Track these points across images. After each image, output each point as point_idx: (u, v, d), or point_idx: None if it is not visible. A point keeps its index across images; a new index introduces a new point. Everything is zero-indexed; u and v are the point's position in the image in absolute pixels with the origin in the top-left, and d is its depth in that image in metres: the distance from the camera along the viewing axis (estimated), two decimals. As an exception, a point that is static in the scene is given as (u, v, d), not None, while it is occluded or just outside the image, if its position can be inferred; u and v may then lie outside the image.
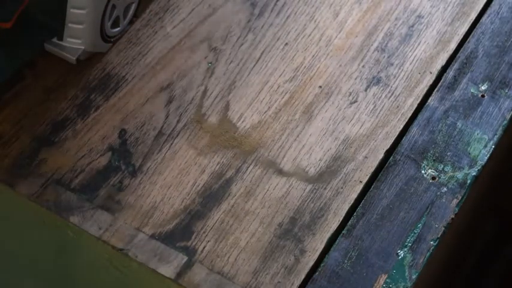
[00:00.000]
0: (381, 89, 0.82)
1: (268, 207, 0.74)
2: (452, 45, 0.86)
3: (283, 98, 0.81)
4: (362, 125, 0.80)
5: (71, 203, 0.73)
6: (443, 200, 0.76)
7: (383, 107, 0.81)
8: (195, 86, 0.81)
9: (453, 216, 0.75)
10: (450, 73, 0.84)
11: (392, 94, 0.82)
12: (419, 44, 0.86)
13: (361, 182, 0.76)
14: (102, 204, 0.73)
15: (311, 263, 0.72)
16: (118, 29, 0.83)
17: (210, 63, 0.83)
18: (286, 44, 0.85)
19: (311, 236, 0.73)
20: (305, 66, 0.83)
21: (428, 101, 0.82)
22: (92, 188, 0.74)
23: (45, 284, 0.84)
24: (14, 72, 0.79)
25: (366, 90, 0.82)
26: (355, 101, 0.81)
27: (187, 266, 0.70)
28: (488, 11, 0.89)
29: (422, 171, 0.77)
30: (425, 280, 0.78)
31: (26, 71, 0.80)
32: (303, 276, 0.71)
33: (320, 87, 0.82)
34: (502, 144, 0.83)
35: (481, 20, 0.88)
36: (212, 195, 0.75)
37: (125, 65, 0.82)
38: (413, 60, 0.85)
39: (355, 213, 0.75)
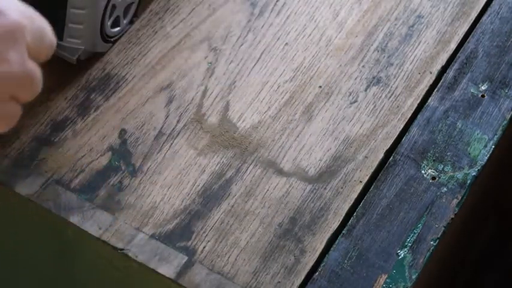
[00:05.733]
0: (381, 89, 0.82)
1: (268, 207, 0.74)
2: (452, 45, 0.86)
3: (283, 98, 0.81)
4: (362, 125, 0.80)
5: (70, 203, 0.73)
6: (443, 200, 0.76)
7: (383, 107, 0.81)
8: (195, 86, 0.81)
9: (453, 216, 0.75)
10: (450, 73, 0.84)
11: (392, 94, 0.82)
12: (419, 44, 0.86)
13: (361, 182, 0.76)
14: (102, 204, 0.73)
15: (311, 263, 0.72)
16: (118, 29, 0.83)
17: (210, 63, 0.83)
18: (286, 44, 0.85)
19: (311, 236, 0.73)
20: (305, 66, 0.83)
21: (428, 101, 0.82)
22: (92, 188, 0.74)
23: (45, 284, 0.84)
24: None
25: (366, 90, 0.82)
26: (355, 101, 0.81)
27: (187, 266, 0.70)
28: (488, 11, 0.89)
29: (422, 171, 0.77)
30: (425, 280, 0.78)
31: (26, 71, 0.80)
32: (303, 276, 0.71)
33: (320, 87, 0.82)
34: (502, 144, 0.83)
35: (481, 20, 0.88)
36: (212, 195, 0.75)
37: (124, 65, 0.82)
38: (413, 60, 0.85)
39: (355, 213, 0.75)
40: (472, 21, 0.88)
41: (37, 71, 0.59)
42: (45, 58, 0.61)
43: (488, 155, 0.79)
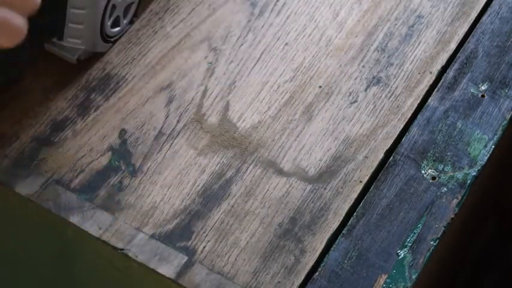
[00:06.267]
0: (381, 89, 0.83)
1: (268, 207, 0.74)
2: (452, 45, 0.86)
3: (283, 98, 0.81)
4: (362, 125, 0.80)
5: (71, 203, 0.73)
6: (443, 200, 0.76)
7: (383, 107, 0.81)
8: (195, 86, 0.81)
9: (453, 216, 0.75)
10: (450, 73, 0.84)
11: (392, 94, 0.82)
12: (419, 44, 0.86)
13: (361, 182, 0.76)
14: (102, 204, 0.73)
15: (311, 263, 0.72)
16: (118, 29, 0.83)
17: (210, 63, 0.83)
18: (286, 44, 0.85)
19: (311, 236, 0.73)
20: (305, 66, 0.83)
21: (428, 101, 0.82)
22: (92, 188, 0.74)
23: (45, 284, 0.84)
24: (15, 75, 0.79)
25: (366, 90, 0.82)
26: (355, 101, 0.81)
27: (187, 266, 0.70)
28: (488, 11, 0.89)
29: (422, 171, 0.77)
30: (425, 280, 0.78)
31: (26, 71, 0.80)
32: (303, 276, 0.71)
33: (320, 87, 0.82)
34: (502, 144, 0.83)
35: (481, 20, 0.88)
36: (212, 195, 0.75)
37: (124, 65, 0.82)
38: (413, 60, 0.85)
39: (355, 213, 0.75)
40: (472, 21, 0.88)
41: (9, 15, 0.59)
42: (31, 10, 0.61)
43: (488, 155, 0.79)
